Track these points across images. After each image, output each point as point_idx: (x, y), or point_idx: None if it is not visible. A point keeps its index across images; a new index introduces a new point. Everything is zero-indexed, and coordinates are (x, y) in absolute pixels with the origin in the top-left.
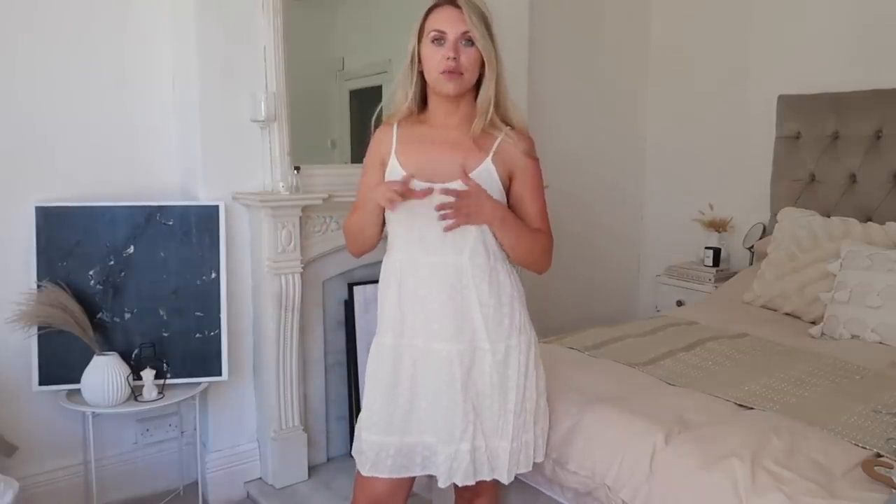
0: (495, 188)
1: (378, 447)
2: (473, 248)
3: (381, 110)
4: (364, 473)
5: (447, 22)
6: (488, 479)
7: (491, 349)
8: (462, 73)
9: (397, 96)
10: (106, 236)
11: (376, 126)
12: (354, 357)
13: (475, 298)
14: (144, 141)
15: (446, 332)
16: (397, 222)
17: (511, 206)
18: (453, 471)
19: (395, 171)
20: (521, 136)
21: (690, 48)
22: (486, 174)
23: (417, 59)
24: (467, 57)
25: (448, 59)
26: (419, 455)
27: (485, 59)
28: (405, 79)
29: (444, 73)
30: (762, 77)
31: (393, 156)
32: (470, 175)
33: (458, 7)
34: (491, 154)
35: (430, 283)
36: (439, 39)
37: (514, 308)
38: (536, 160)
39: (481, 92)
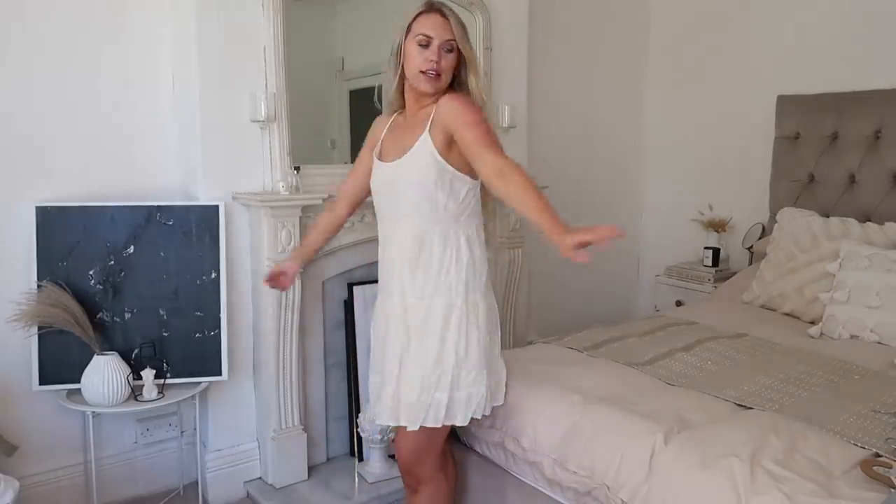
0: (429, 155)
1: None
2: (408, 215)
3: (380, 89)
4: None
5: (434, 28)
6: (403, 424)
7: (413, 306)
8: (440, 75)
9: (389, 89)
10: (106, 236)
11: (380, 102)
12: (354, 357)
13: (406, 260)
14: (144, 141)
15: (396, 289)
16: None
17: (466, 154)
18: (382, 407)
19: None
20: (447, 97)
21: (690, 48)
22: (422, 145)
23: (400, 55)
24: (446, 62)
25: (431, 62)
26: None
27: (468, 63)
28: (391, 71)
29: (424, 72)
30: (762, 77)
31: (379, 144)
32: (408, 152)
33: (445, 17)
34: (427, 126)
35: (392, 248)
36: (424, 43)
37: (442, 273)
38: (460, 102)
39: (468, 88)
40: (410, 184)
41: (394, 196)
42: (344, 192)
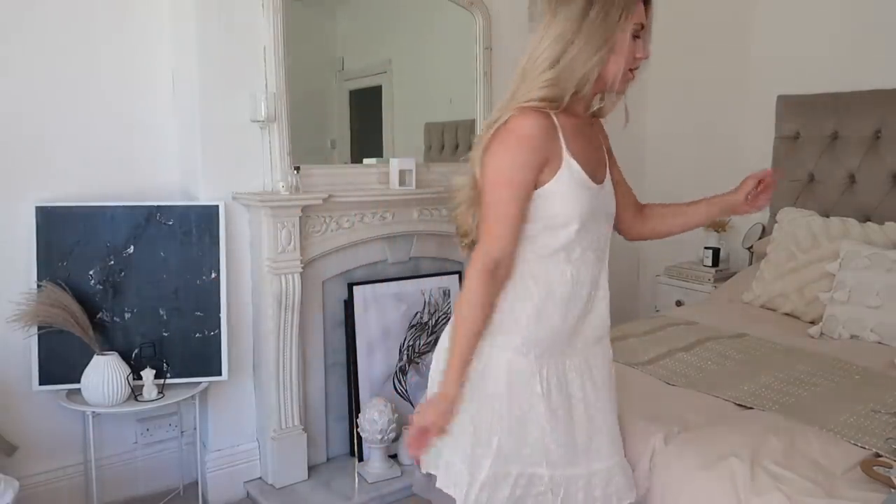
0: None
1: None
2: (605, 255)
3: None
4: None
5: (647, 17)
6: None
7: None
8: None
9: (573, 74)
10: (106, 236)
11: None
12: (354, 357)
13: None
14: (144, 141)
15: (607, 350)
16: None
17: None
18: None
19: (573, 170)
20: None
21: (690, 48)
22: (609, 171)
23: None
24: None
25: (640, 58)
26: None
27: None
28: (591, 57)
29: (632, 70)
30: (762, 77)
31: (566, 152)
32: (606, 173)
33: (649, 4)
34: (607, 151)
35: (604, 300)
36: (638, 35)
37: None
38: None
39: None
40: (610, 216)
41: (599, 228)
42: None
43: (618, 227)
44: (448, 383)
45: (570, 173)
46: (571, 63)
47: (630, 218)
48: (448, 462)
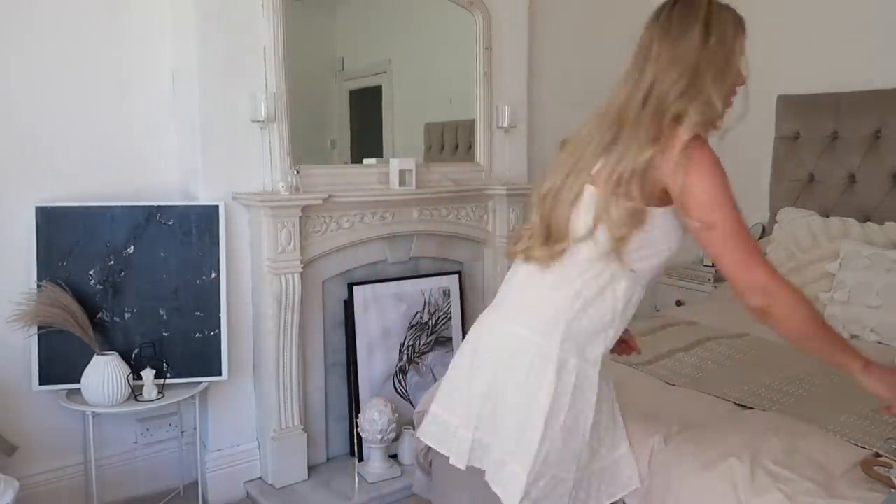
0: None
1: None
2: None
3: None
4: None
5: (744, 44)
6: None
7: None
8: None
9: (712, 100)
10: (106, 236)
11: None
12: (354, 357)
13: None
14: (144, 141)
15: None
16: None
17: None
18: None
19: None
20: None
21: None
22: None
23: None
24: None
25: (741, 85)
26: None
27: None
28: (723, 83)
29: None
30: (762, 77)
31: None
32: None
33: (744, 32)
34: None
35: None
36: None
37: None
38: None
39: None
40: None
41: None
42: None
43: None
44: (857, 362)
45: None
46: (707, 90)
47: None
48: (499, 461)
